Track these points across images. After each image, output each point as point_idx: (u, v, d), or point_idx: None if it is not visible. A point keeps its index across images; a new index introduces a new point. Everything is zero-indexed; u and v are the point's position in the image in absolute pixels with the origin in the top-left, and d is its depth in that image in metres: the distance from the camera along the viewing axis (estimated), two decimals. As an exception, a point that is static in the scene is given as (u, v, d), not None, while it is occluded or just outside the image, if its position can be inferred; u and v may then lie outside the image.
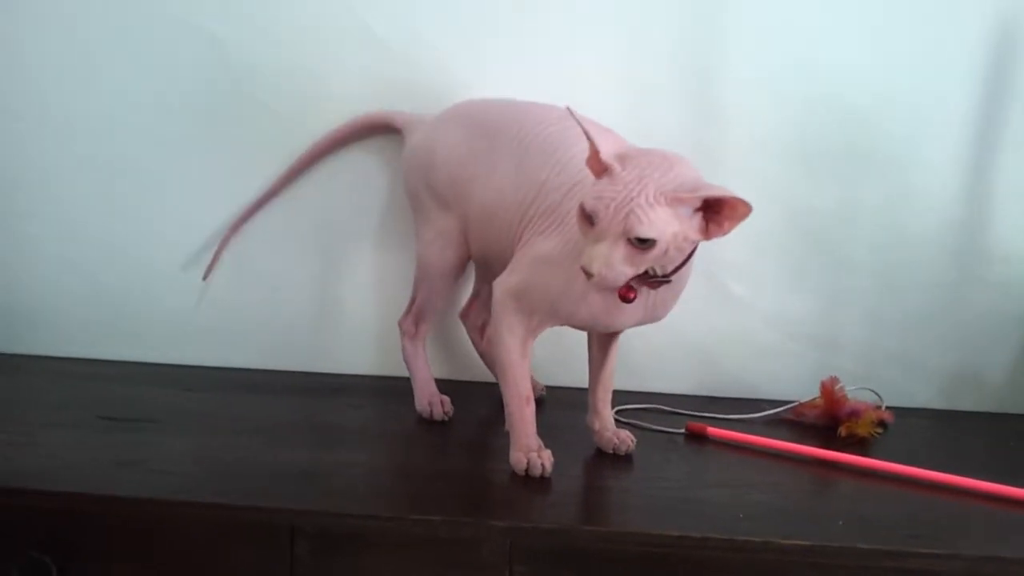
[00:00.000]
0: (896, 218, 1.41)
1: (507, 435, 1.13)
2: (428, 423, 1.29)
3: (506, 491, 1.09)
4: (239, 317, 1.49)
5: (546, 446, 1.12)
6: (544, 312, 1.11)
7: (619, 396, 1.25)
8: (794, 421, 1.35)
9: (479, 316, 1.42)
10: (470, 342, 1.44)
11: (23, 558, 1.01)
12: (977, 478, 1.11)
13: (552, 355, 1.36)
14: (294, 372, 1.49)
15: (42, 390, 1.38)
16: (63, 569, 1.01)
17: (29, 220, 1.49)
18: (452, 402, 1.30)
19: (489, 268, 1.24)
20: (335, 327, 1.49)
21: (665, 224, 0.97)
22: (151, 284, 1.49)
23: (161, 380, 1.42)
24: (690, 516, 1.02)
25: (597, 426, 1.21)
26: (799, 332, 1.44)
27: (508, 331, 1.12)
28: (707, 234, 0.99)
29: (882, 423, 1.31)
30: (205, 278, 1.47)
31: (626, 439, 1.19)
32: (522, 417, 1.12)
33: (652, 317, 1.11)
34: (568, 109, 1.03)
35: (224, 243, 1.46)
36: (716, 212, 0.98)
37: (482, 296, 1.39)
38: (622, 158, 1.00)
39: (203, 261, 1.47)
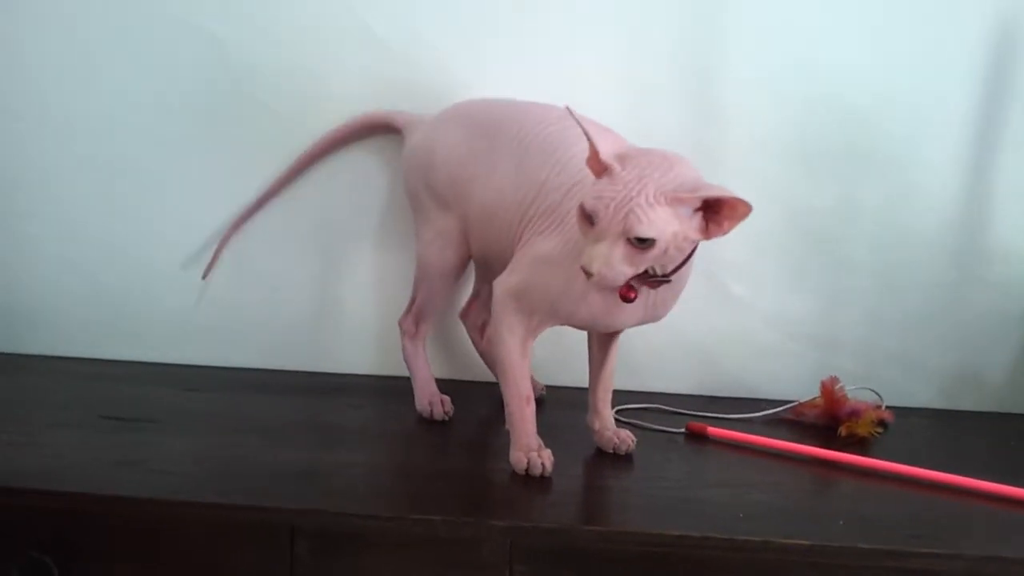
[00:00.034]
0: (896, 218, 1.41)
1: (507, 435, 1.13)
2: (428, 423, 1.29)
3: (506, 491, 1.09)
4: (239, 317, 1.49)
5: (546, 446, 1.12)
6: (544, 312, 1.11)
7: (619, 396, 1.25)
8: (794, 421, 1.35)
9: (479, 316, 1.42)
10: (470, 342, 1.44)
11: (24, 558, 1.01)
12: (978, 478, 1.11)
13: (552, 355, 1.36)
14: (294, 372, 1.49)
15: (42, 390, 1.38)
16: (64, 569, 1.01)
17: (29, 220, 1.49)
18: (452, 402, 1.30)
19: (489, 268, 1.24)
20: (335, 327, 1.49)
21: (665, 224, 0.97)
22: (151, 284, 1.49)
23: (161, 380, 1.42)
24: (690, 516, 1.02)
25: (597, 426, 1.21)
26: (799, 332, 1.44)
27: (508, 331, 1.12)
28: (707, 234, 0.99)
29: (882, 423, 1.31)
30: (204, 277, 1.47)
31: (626, 439, 1.19)
32: (522, 417, 1.12)
33: (652, 317, 1.11)
34: (568, 109, 1.03)
35: (224, 243, 1.46)
36: (716, 212, 0.98)
37: (482, 296, 1.39)
38: (622, 158, 1.00)
39: (203, 261, 1.47)
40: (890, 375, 1.42)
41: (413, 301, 1.33)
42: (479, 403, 1.34)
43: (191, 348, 1.49)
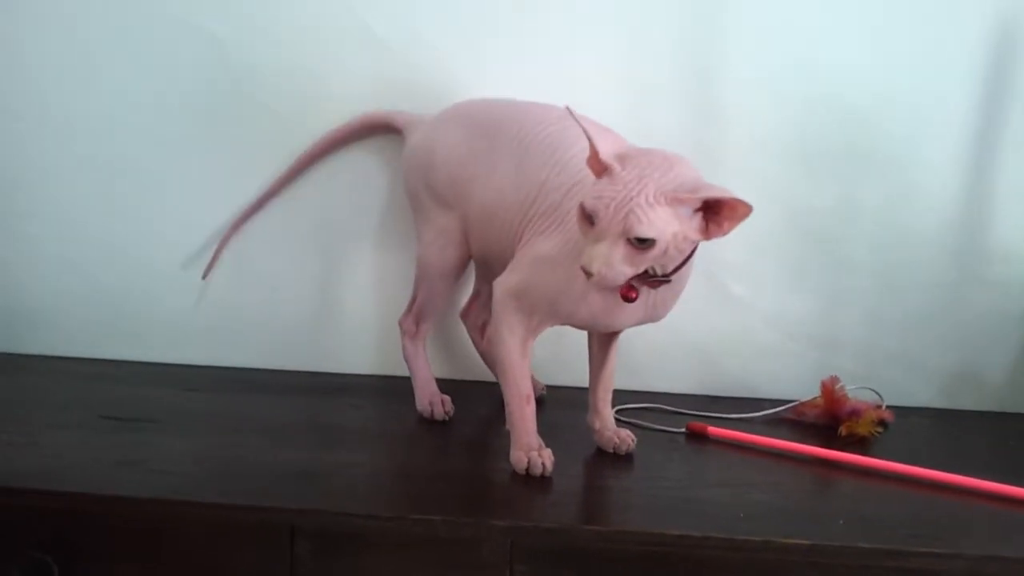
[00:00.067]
0: (896, 218, 1.41)
1: (507, 434, 1.13)
2: (429, 423, 1.29)
3: (507, 490, 1.09)
4: (239, 317, 1.49)
5: (546, 445, 1.12)
6: (544, 312, 1.11)
7: (619, 395, 1.25)
8: (795, 420, 1.35)
9: (479, 316, 1.42)
10: (470, 342, 1.44)
11: (25, 558, 1.01)
12: (978, 477, 1.11)
13: (552, 355, 1.36)
14: (294, 372, 1.49)
15: (42, 390, 1.38)
16: (65, 569, 1.01)
17: (29, 220, 1.49)
18: (453, 402, 1.30)
19: (489, 268, 1.24)
20: (335, 327, 1.49)
21: (665, 224, 0.97)
22: (151, 284, 1.49)
23: (161, 380, 1.42)
24: (691, 515, 1.02)
25: (598, 425, 1.21)
26: (799, 332, 1.44)
27: (508, 330, 1.12)
28: (707, 234, 0.99)
29: (882, 422, 1.31)
30: (204, 277, 1.47)
31: (626, 438, 1.19)
32: (523, 416, 1.12)
33: (652, 317, 1.11)
34: (568, 109, 1.03)
35: (224, 243, 1.46)
36: (716, 212, 0.98)
37: (482, 296, 1.39)
38: (622, 158, 1.00)
39: (203, 261, 1.47)
40: (890, 375, 1.42)
41: (413, 301, 1.33)
42: (479, 403, 1.34)
43: (191, 348, 1.49)
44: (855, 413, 1.30)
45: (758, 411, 1.36)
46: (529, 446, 1.11)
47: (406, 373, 1.34)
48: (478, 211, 1.22)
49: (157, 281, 1.49)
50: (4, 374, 1.45)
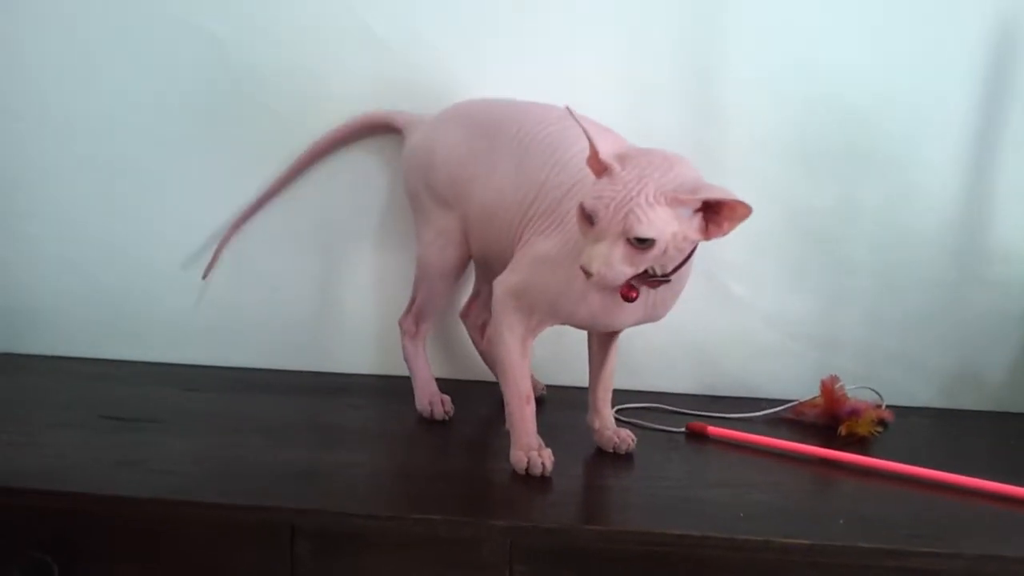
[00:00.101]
0: (896, 218, 1.41)
1: (507, 434, 1.13)
2: (428, 423, 1.29)
3: (506, 490, 1.09)
4: (239, 317, 1.49)
5: (546, 445, 1.12)
6: (544, 311, 1.11)
7: (619, 395, 1.25)
8: (794, 420, 1.35)
9: (479, 316, 1.42)
10: (470, 342, 1.45)
11: (25, 558, 1.01)
12: (978, 477, 1.11)
13: (552, 355, 1.36)
14: (294, 372, 1.49)
15: (43, 390, 1.38)
16: (65, 569, 1.01)
17: (29, 220, 1.49)
18: (452, 401, 1.30)
19: (489, 268, 1.24)
20: (335, 327, 1.49)
21: (665, 224, 0.97)
22: (151, 284, 1.49)
23: (162, 380, 1.42)
24: (691, 515, 1.02)
25: (597, 425, 1.21)
26: (799, 332, 1.44)
27: (508, 330, 1.12)
28: (707, 234, 0.99)
29: (882, 422, 1.31)
30: (205, 277, 1.47)
31: (626, 438, 1.19)
32: (522, 416, 1.12)
33: (652, 316, 1.11)
34: (568, 109, 1.03)
35: (224, 243, 1.46)
36: (716, 212, 0.98)
37: (482, 296, 1.39)
38: (622, 158, 1.00)
39: (203, 261, 1.47)
40: (890, 374, 1.42)
41: (413, 301, 1.33)
42: (479, 403, 1.34)
43: (191, 348, 1.49)
44: (855, 413, 1.30)
45: (758, 411, 1.36)
46: (529, 446, 1.11)
47: (406, 373, 1.34)
48: (478, 211, 1.22)
49: (157, 281, 1.49)
50: (4, 374, 1.45)
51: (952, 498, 1.10)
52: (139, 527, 1.03)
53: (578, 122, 1.01)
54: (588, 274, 0.98)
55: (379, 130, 1.42)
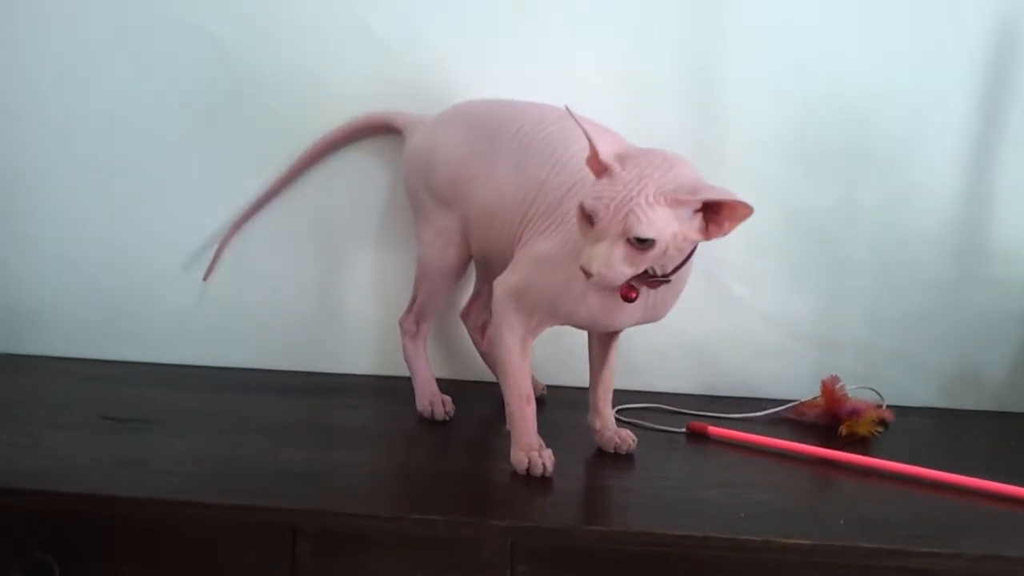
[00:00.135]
0: (896, 218, 1.41)
1: (508, 434, 1.13)
2: (429, 423, 1.29)
3: (507, 491, 1.09)
4: (239, 317, 1.49)
5: (547, 445, 1.12)
6: (544, 312, 1.11)
7: (620, 395, 1.25)
8: (795, 420, 1.35)
9: (480, 316, 1.42)
10: (471, 342, 1.44)
11: (25, 558, 1.01)
12: (978, 477, 1.11)
13: (552, 355, 1.36)
14: (294, 372, 1.49)
15: (42, 390, 1.38)
16: (65, 569, 1.01)
17: (29, 220, 1.49)
18: (453, 402, 1.30)
19: (489, 268, 1.24)
20: (335, 327, 1.49)
21: (665, 224, 0.97)
22: (151, 284, 1.49)
23: (162, 380, 1.42)
24: (691, 515, 1.02)
25: (598, 425, 1.21)
26: (799, 332, 1.44)
27: (508, 330, 1.12)
28: (707, 234, 0.99)
29: (883, 422, 1.31)
30: (206, 278, 1.47)
31: (627, 438, 1.19)
32: (523, 416, 1.12)
33: (652, 317, 1.11)
34: (568, 109, 1.03)
35: (224, 243, 1.46)
36: (716, 213, 0.98)
37: (483, 296, 1.39)
38: (622, 158, 1.00)
39: (203, 261, 1.47)
40: (890, 374, 1.42)
41: (414, 301, 1.33)
42: (480, 403, 1.34)
43: (191, 349, 1.49)
44: (855, 413, 1.30)
45: (758, 411, 1.36)
46: (529, 446, 1.11)
47: (406, 373, 1.34)
48: (478, 211, 1.22)
49: (157, 281, 1.49)
50: (4, 374, 1.45)
51: (952, 498, 1.10)
52: (139, 527, 1.03)
53: (578, 122, 1.01)
54: (588, 274, 0.98)
55: (379, 130, 1.42)
